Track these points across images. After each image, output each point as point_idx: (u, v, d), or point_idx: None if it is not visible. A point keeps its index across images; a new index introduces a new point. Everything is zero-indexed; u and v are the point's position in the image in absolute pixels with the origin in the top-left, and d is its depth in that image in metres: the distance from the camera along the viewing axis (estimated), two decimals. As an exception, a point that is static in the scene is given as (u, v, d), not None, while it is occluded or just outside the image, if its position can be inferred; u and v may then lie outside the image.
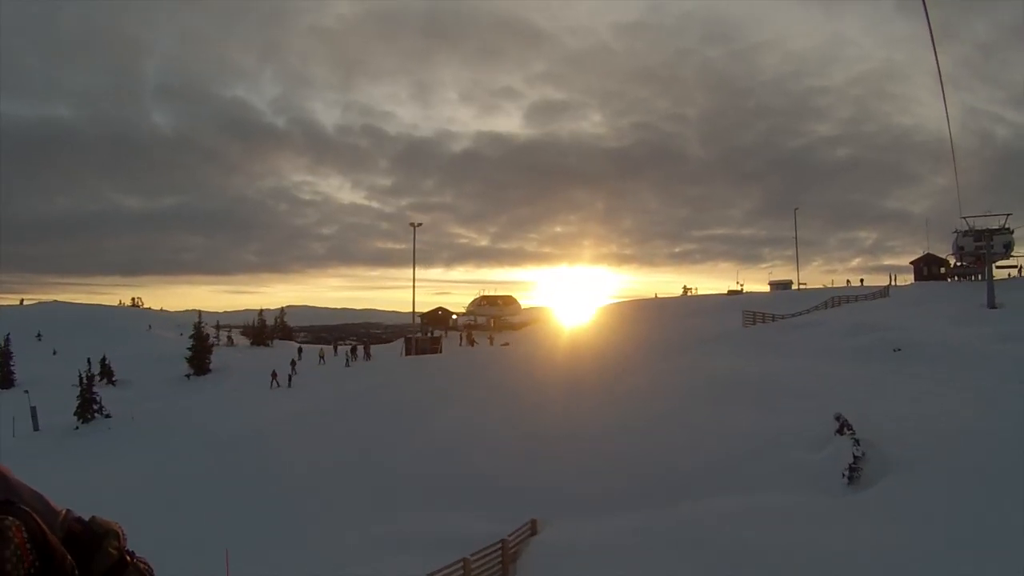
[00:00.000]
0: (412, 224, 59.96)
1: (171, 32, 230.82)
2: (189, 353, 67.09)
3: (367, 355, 61.72)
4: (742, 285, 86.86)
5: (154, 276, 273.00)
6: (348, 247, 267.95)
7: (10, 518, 1.13)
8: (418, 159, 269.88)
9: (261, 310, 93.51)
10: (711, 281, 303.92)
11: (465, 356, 41.81)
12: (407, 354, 55.10)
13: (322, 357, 60.82)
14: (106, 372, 62.33)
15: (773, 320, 43.80)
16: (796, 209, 74.66)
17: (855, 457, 16.50)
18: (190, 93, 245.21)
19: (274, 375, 48.03)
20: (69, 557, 1.23)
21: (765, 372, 25.10)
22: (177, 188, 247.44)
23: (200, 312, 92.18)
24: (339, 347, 70.11)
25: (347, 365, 57.79)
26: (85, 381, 47.38)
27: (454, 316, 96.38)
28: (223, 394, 46.99)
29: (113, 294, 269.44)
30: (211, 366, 67.01)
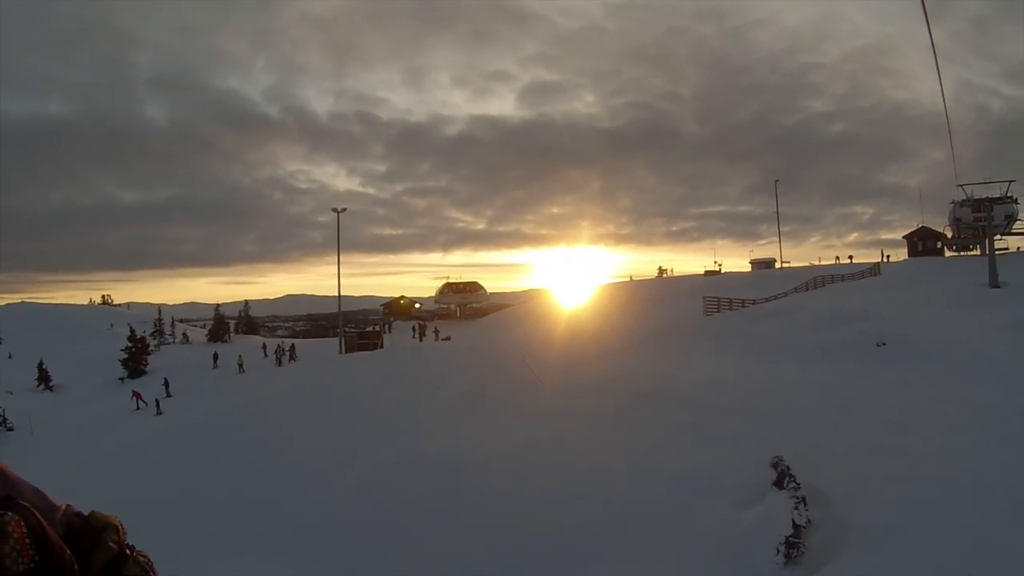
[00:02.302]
0: (335, 209, 54.77)
1: (163, 24, 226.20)
2: (124, 355, 62.73)
3: (291, 356, 56.52)
4: (720, 265, 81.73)
5: (151, 270, 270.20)
6: (345, 234, 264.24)
7: (9, 513, 1.12)
8: (412, 144, 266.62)
9: (217, 304, 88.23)
10: (709, 259, 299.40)
11: (401, 355, 36.24)
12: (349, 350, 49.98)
13: (241, 366, 54.99)
14: (43, 377, 58.87)
15: (743, 306, 38.25)
16: (777, 181, 69.30)
17: (796, 526, 10.96)
18: (184, 84, 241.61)
19: (137, 395, 42.72)
20: (69, 552, 1.22)
21: (707, 381, 19.53)
22: (172, 180, 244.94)
23: (160, 306, 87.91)
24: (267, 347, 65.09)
25: (279, 365, 53.10)
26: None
27: (417, 304, 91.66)
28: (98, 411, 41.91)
29: (109, 288, 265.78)
30: (147, 368, 62.56)
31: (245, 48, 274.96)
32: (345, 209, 55.18)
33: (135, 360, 62.80)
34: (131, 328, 64.38)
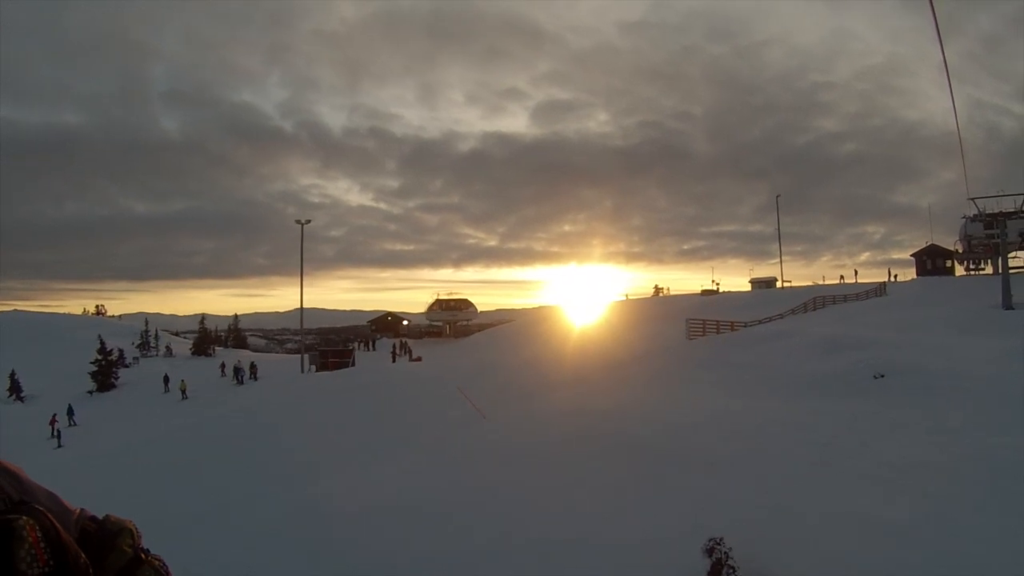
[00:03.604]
0: (299, 221, 52.37)
1: (177, 36, 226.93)
2: (94, 368, 60.38)
3: (252, 375, 53.28)
4: (718, 284, 78.76)
5: (163, 281, 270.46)
6: (357, 249, 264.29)
7: (24, 518, 1.11)
8: (425, 160, 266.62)
9: (203, 316, 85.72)
10: (722, 277, 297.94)
11: (360, 378, 33.33)
12: (317, 369, 47.24)
13: (184, 391, 50.36)
14: (14, 387, 57.12)
15: (733, 330, 35.13)
16: (778, 197, 66.36)
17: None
18: (197, 97, 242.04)
19: (53, 421, 39.32)
20: (83, 556, 1.21)
21: (669, 421, 16.53)
22: (185, 192, 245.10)
23: (146, 316, 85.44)
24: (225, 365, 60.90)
25: (238, 384, 50.59)
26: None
27: (405, 321, 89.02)
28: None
29: (121, 299, 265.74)
30: (117, 381, 60.23)
31: (259, 62, 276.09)
32: (310, 221, 53.31)
33: (104, 374, 60.23)
34: (101, 340, 61.87)
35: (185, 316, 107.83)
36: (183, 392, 49.83)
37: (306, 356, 52.70)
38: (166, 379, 54.78)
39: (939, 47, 10.66)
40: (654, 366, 26.32)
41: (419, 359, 51.72)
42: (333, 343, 77.74)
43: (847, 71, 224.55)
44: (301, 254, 53.17)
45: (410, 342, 69.88)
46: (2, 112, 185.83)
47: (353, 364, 47.90)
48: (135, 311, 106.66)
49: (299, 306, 59.50)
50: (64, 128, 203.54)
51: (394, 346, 63.84)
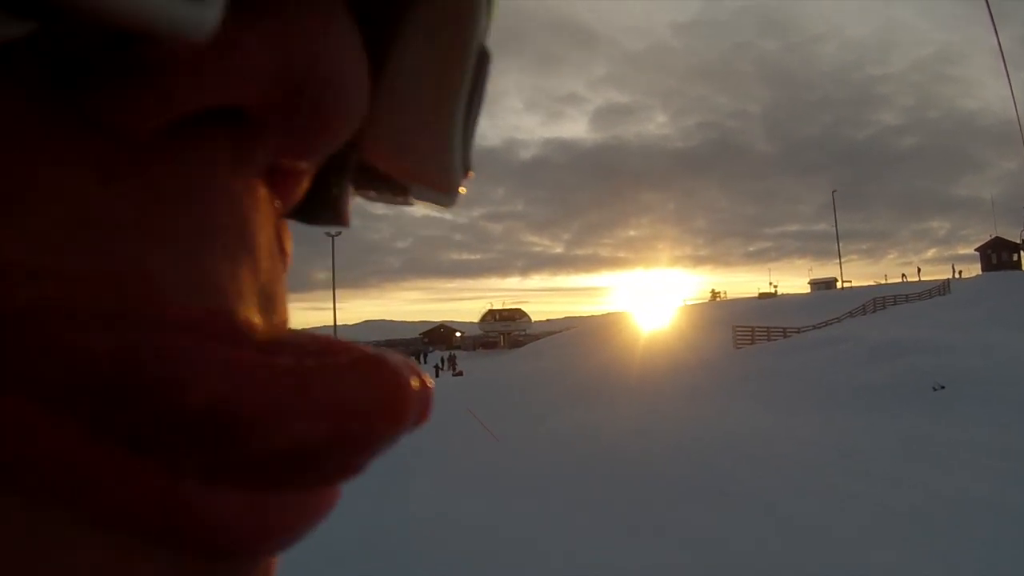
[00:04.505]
0: (329, 234, 51.53)
1: None
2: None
3: None
4: (775, 287, 75.62)
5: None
6: (423, 260, 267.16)
7: None
8: (487, 169, 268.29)
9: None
10: (784, 279, 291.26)
11: None
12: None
13: None
14: None
15: (785, 336, 32.94)
16: (834, 192, 63.59)
17: None
18: None
19: None
20: None
21: (687, 442, 14.73)
22: None
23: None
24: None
25: None
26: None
27: (458, 333, 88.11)
28: None
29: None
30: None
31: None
32: (339, 233, 52.41)
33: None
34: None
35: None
36: None
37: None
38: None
39: (993, 33, 9.23)
40: (693, 378, 24.67)
41: (461, 373, 50.55)
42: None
43: (902, 62, 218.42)
44: (333, 267, 53.29)
45: (462, 354, 68.70)
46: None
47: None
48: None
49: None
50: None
51: (441, 359, 62.75)
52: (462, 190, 0.27)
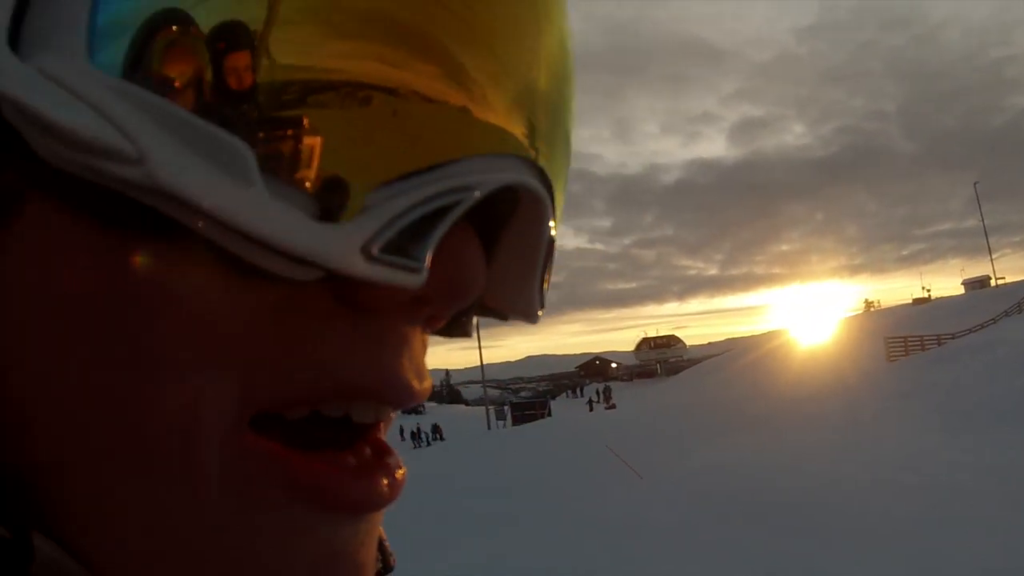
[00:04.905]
0: None
1: None
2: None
3: (438, 435, 47.65)
4: (929, 291, 71.18)
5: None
6: (579, 292, 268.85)
7: None
8: (632, 196, 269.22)
9: (447, 371, 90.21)
10: (937, 281, 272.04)
11: (546, 432, 31.02)
12: (514, 423, 47.28)
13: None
14: None
15: (939, 343, 31.63)
16: (976, 184, 59.99)
17: None
18: None
19: None
20: None
21: (820, 484, 13.99)
22: None
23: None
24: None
25: (415, 447, 42.23)
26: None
27: (614, 364, 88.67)
28: None
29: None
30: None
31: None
32: None
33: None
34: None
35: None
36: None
37: (491, 409, 52.57)
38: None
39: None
40: (849, 395, 24.73)
41: (614, 406, 50.99)
42: (525, 398, 77.24)
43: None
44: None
45: (619, 384, 69.01)
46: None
47: (549, 414, 47.92)
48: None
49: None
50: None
51: (596, 391, 63.50)
52: (540, 313, 0.44)
